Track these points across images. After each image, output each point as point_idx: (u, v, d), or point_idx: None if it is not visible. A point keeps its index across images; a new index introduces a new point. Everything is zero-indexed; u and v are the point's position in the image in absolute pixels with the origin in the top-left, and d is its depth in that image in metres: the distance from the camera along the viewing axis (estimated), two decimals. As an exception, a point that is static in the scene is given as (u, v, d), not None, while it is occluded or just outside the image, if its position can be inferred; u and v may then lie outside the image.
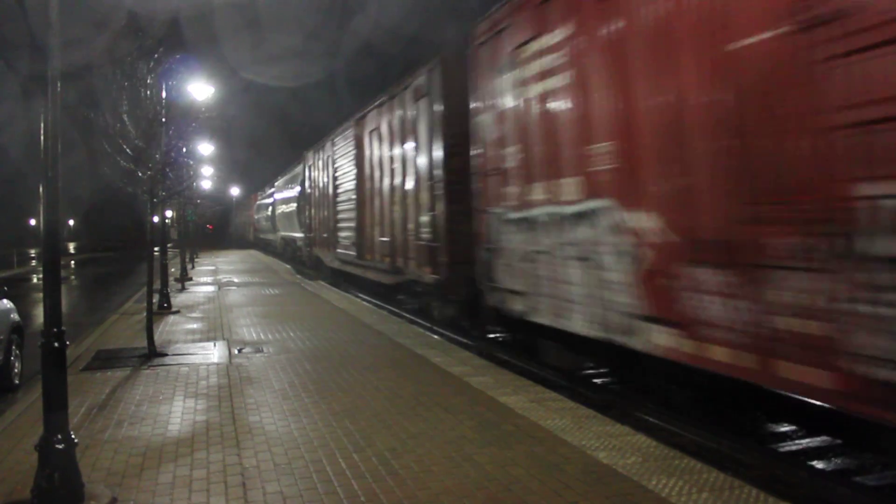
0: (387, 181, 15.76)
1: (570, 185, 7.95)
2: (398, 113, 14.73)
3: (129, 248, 54.71)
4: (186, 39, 11.10)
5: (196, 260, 35.90)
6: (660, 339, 6.46)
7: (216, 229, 75.25)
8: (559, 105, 8.19)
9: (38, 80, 4.64)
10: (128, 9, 9.72)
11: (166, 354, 10.04)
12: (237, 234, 77.17)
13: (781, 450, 6.64)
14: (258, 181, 62.42)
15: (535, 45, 8.65)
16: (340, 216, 21.33)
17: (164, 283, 16.24)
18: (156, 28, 10.16)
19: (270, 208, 46.90)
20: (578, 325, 7.82)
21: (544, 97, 8.50)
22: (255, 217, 58.84)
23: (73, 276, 36.03)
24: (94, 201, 57.28)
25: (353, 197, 19.13)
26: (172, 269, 22.12)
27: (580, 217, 7.73)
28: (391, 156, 15.40)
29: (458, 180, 11.52)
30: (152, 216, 11.59)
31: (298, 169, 32.94)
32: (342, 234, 21.12)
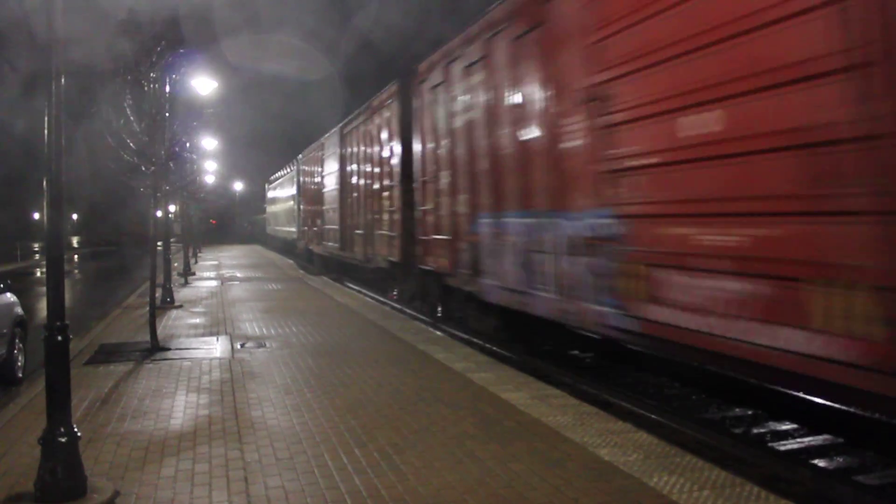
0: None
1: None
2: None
3: (133, 242, 54.78)
4: (187, 37, 11.09)
5: (199, 255, 35.95)
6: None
7: (219, 224, 75.22)
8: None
9: (42, 77, 4.65)
10: (129, 7, 9.74)
11: (169, 349, 10.06)
12: (248, 229, 74.88)
13: (783, 448, 6.63)
14: (261, 176, 61.29)
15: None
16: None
17: (168, 278, 16.27)
18: (157, 26, 10.16)
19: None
20: None
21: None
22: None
23: (76, 271, 36.09)
24: (98, 196, 57.32)
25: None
26: (175, 264, 22.18)
27: None
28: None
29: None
30: (156, 211, 11.60)
31: None
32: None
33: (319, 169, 26.33)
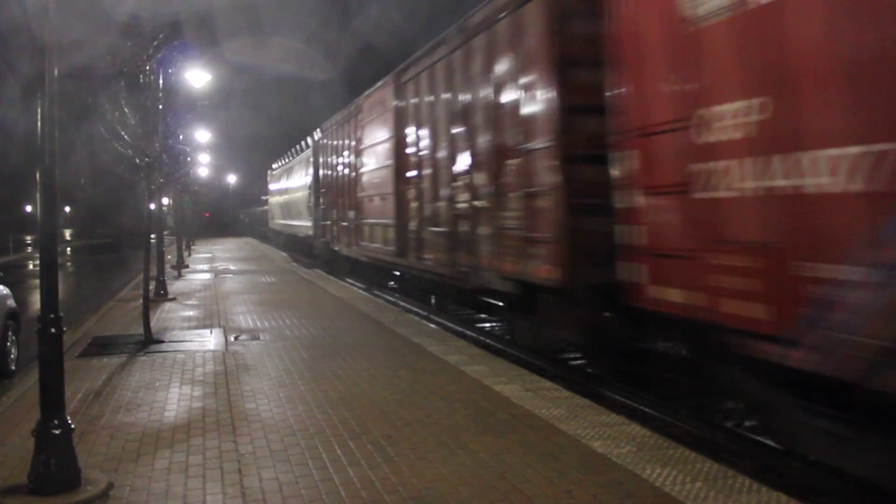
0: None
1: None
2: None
3: (126, 235, 54.63)
4: (190, 40, 11.10)
5: (193, 247, 35.86)
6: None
7: (214, 217, 75.07)
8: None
9: (36, 73, 4.63)
10: (131, 13, 9.72)
11: (163, 341, 10.05)
12: (245, 222, 73.53)
13: (774, 440, 6.66)
14: (259, 172, 60.89)
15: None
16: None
17: (161, 271, 16.25)
18: (157, 29, 10.15)
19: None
20: None
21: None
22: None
23: (69, 263, 35.99)
24: (91, 188, 57.22)
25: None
26: (169, 257, 22.14)
27: None
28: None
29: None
30: (149, 203, 11.58)
31: None
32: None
33: (353, 142, 19.03)
